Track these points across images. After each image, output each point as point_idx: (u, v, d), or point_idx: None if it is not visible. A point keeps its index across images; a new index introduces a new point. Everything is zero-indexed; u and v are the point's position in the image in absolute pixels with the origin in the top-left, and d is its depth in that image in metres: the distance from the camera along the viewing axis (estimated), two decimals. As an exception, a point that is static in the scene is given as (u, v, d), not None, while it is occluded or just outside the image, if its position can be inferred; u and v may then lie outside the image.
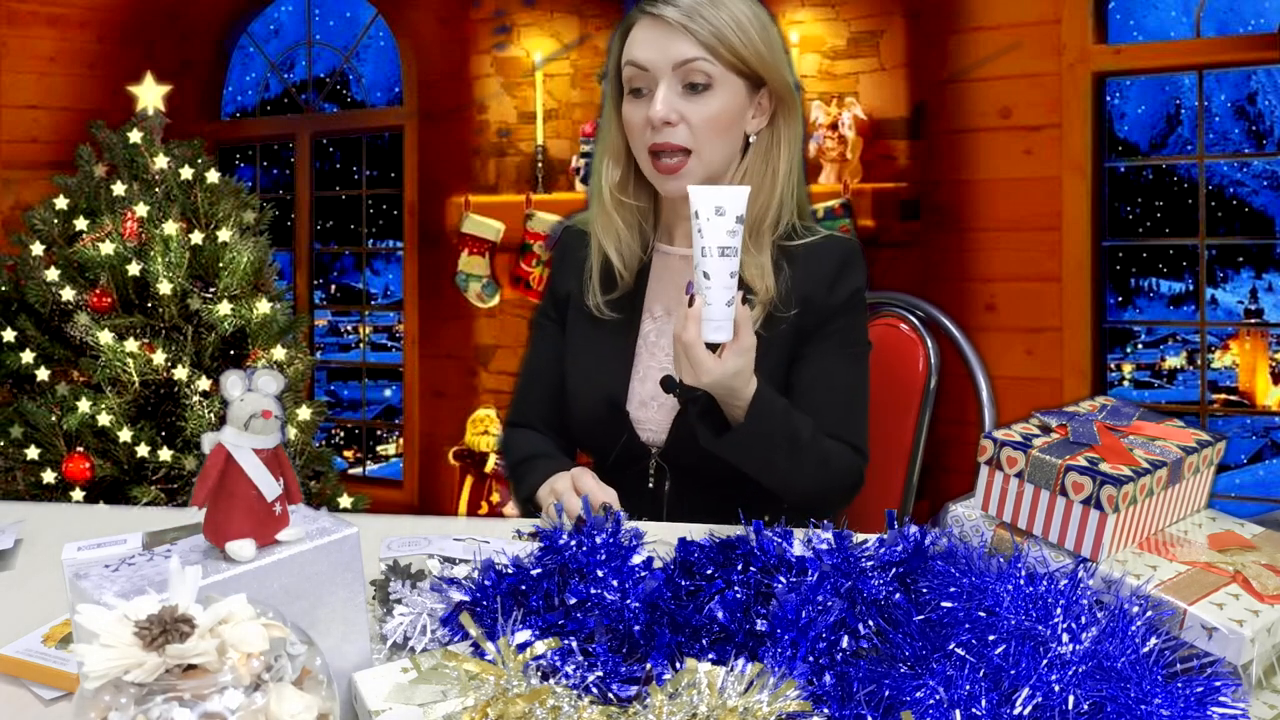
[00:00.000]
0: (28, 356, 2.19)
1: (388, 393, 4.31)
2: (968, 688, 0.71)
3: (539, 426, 1.50)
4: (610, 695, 0.74)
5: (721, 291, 1.13)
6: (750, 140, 1.39)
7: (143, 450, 2.14)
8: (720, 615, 0.84)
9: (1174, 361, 3.29)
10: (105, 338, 2.13)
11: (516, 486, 1.43)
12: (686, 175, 1.33)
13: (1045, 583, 0.80)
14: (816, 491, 1.32)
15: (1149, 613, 0.79)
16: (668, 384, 1.33)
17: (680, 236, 1.45)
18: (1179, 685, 0.73)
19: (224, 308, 2.19)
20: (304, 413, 2.27)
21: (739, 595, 0.86)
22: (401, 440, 4.19)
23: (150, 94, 2.30)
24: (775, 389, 1.35)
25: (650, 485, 1.42)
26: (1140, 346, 3.33)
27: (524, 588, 0.88)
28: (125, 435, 2.13)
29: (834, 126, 3.28)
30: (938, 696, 0.71)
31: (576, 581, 0.87)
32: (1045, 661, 0.73)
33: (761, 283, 1.35)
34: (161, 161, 2.27)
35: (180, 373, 2.16)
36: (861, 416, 1.39)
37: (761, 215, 1.36)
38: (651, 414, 1.42)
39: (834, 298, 1.37)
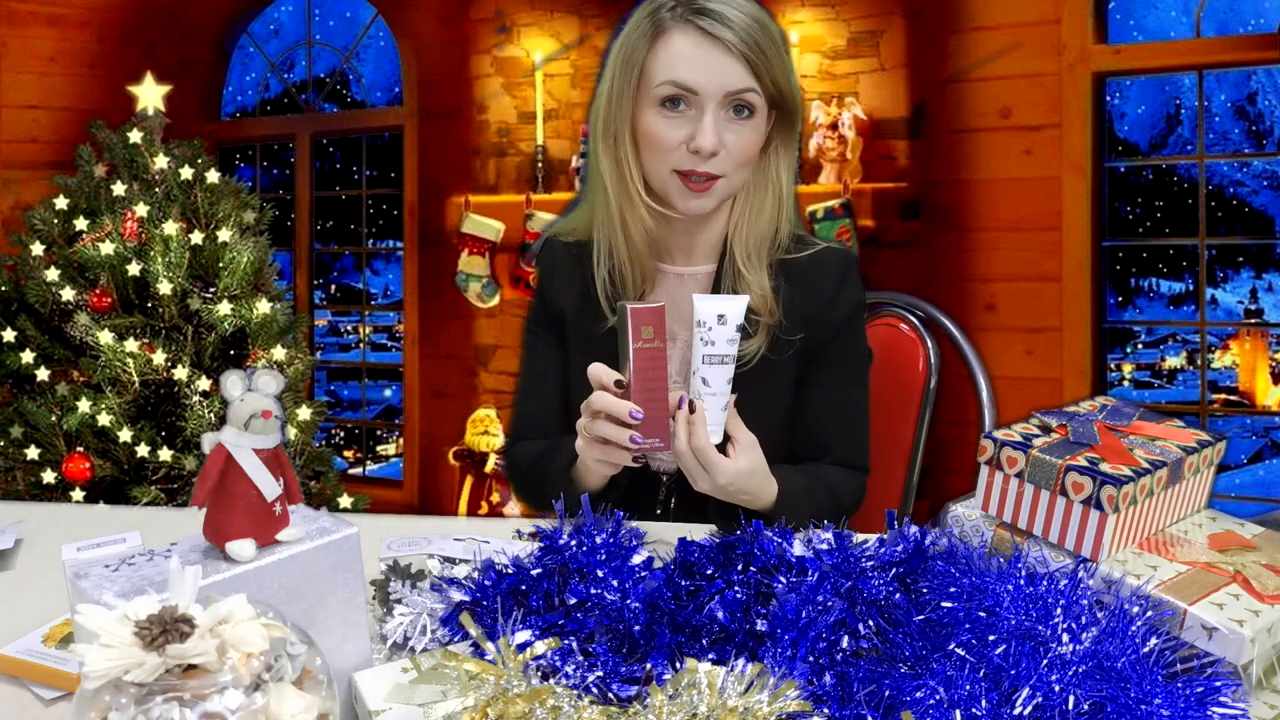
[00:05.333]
0: (28, 356, 2.19)
1: (388, 393, 4.31)
2: (968, 688, 0.71)
3: (543, 437, 1.42)
4: (610, 695, 0.74)
5: (719, 398, 1.15)
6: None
7: (143, 450, 2.14)
8: (720, 615, 0.84)
9: (1174, 361, 3.29)
10: (105, 338, 2.13)
11: (543, 486, 1.31)
12: (713, 195, 1.27)
13: (1045, 583, 0.80)
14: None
15: (1149, 613, 0.79)
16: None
17: (679, 255, 1.38)
18: (1179, 685, 0.72)
19: (224, 308, 2.19)
20: (304, 413, 2.27)
21: (739, 595, 0.86)
22: (401, 440, 4.19)
23: (150, 94, 2.31)
24: (782, 412, 1.34)
25: (658, 511, 1.39)
26: (1140, 346, 3.33)
27: (524, 588, 0.88)
28: (125, 435, 2.13)
29: (834, 126, 3.28)
30: (938, 696, 0.71)
31: (576, 581, 0.87)
32: (1045, 661, 0.73)
33: (765, 305, 1.31)
34: (161, 161, 2.27)
35: (180, 373, 2.16)
36: (866, 435, 1.39)
37: (765, 235, 1.32)
38: None
39: (836, 313, 1.34)
